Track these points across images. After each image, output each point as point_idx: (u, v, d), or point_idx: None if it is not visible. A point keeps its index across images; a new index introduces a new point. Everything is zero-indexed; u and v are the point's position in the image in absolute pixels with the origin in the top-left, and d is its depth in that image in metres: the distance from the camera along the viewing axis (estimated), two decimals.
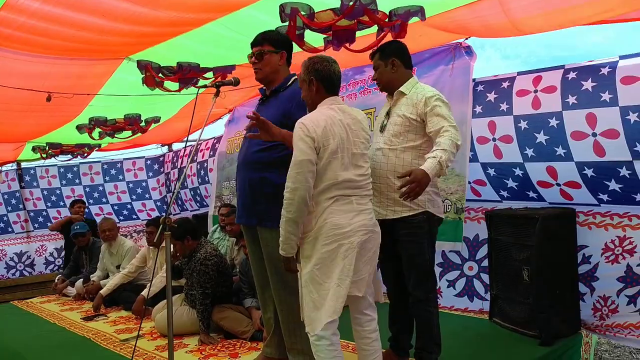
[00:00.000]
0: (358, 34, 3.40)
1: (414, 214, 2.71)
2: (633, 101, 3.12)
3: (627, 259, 3.35)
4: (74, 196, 8.10)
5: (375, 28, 3.37)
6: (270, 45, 2.64)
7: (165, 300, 4.29)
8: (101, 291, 5.08)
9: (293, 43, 2.78)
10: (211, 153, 7.26)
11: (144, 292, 4.70)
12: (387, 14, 3.26)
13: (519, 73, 3.79)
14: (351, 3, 3.02)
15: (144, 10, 3.19)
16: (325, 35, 3.50)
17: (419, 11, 3.25)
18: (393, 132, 2.75)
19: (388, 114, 2.84)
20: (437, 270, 4.32)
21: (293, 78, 2.65)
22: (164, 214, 2.89)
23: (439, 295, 4.35)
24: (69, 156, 7.48)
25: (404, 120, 2.72)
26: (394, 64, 2.80)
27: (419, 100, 2.68)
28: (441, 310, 4.03)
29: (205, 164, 7.44)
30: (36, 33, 3.45)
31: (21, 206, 8.29)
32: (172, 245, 3.88)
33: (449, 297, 4.32)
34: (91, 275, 5.74)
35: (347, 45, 3.44)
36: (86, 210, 7.15)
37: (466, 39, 4.11)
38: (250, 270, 3.97)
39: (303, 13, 3.18)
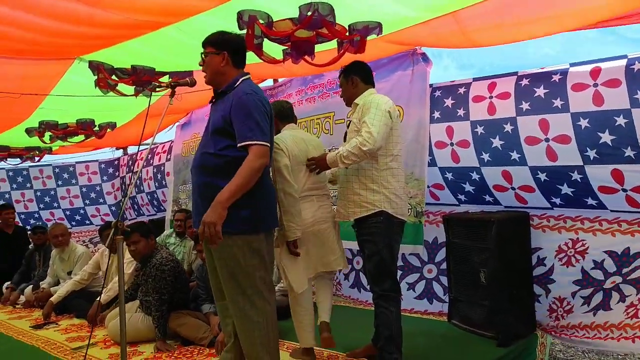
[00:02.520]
0: (318, 47, 3.42)
1: (370, 214, 2.89)
2: (583, 107, 3.22)
3: (580, 261, 3.45)
4: (24, 200, 7.78)
5: (334, 43, 3.39)
6: (212, 47, 2.60)
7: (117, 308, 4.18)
8: (52, 298, 4.88)
9: (241, 45, 2.68)
10: (168, 157, 7.15)
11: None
12: (347, 27, 3.28)
13: (475, 79, 3.87)
14: (309, 13, 3.01)
15: (95, 11, 3.08)
16: (284, 47, 3.49)
17: (377, 27, 3.31)
18: (348, 139, 3.00)
19: (348, 124, 3.14)
20: (397, 273, 4.34)
21: (242, 78, 2.59)
22: (131, 218, 2.84)
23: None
24: (18, 160, 7.19)
25: (354, 127, 2.97)
26: (353, 80, 3.12)
27: (360, 106, 2.96)
28: (402, 313, 4.10)
29: (162, 168, 7.31)
30: None
31: None
32: (128, 247, 3.81)
33: (409, 300, 4.36)
34: (41, 282, 5.51)
35: (306, 58, 3.46)
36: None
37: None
38: (207, 275, 3.91)
39: (261, 21, 3.16)
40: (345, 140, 3.16)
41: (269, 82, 5.70)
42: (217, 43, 2.59)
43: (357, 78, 3.12)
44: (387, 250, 2.90)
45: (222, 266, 2.54)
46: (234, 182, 2.37)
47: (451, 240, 3.79)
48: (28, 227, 6.12)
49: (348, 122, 3.27)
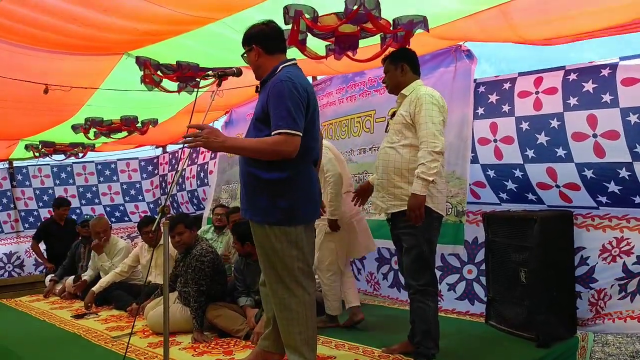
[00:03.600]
0: (361, 43, 3.41)
1: None
2: (633, 102, 3.13)
3: (624, 259, 3.34)
4: (67, 196, 8.00)
5: (378, 38, 3.39)
6: (245, 45, 2.68)
7: (157, 298, 4.26)
8: (93, 288, 5.02)
9: (269, 32, 2.67)
10: (212, 155, 7.20)
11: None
12: (391, 22, 3.28)
13: (520, 74, 3.80)
14: (355, 7, 3.03)
15: (145, 5, 3.17)
16: (327, 43, 3.51)
17: (422, 22, 3.27)
18: (394, 131, 2.98)
19: (393, 115, 3.07)
20: (437, 273, 4.28)
21: (283, 65, 2.61)
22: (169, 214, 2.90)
23: (440, 299, 4.33)
24: (63, 156, 7.42)
25: (401, 119, 2.93)
26: (402, 68, 3.05)
27: (413, 99, 2.90)
28: (443, 313, 4.06)
29: (206, 166, 7.37)
30: (37, 26, 3.41)
31: (12, 205, 8.16)
32: (172, 238, 3.88)
33: (450, 300, 4.31)
34: (82, 275, 5.65)
35: (349, 53, 3.46)
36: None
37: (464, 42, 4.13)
38: (245, 269, 3.96)
39: (307, 16, 3.18)
40: (387, 131, 3.12)
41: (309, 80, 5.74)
42: (246, 41, 2.67)
43: (407, 66, 3.05)
44: (427, 244, 2.87)
45: (261, 254, 2.59)
46: (248, 142, 2.50)
47: (490, 239, 3.73)
48: (85, 216, 6.34)
49: (391, 112, 3.20)
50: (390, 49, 3.25)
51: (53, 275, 6.13)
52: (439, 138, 2.74)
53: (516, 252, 3.45)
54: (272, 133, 2.40)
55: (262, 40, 2.63)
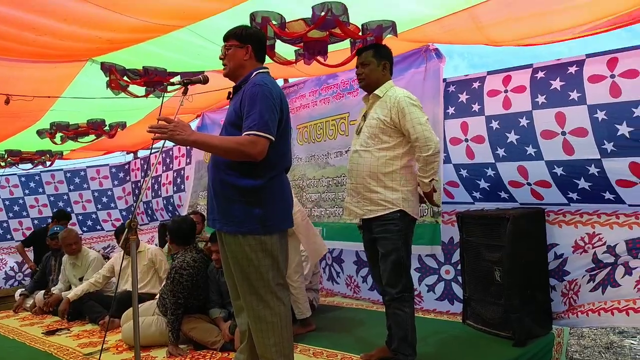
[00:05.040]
0: (331, 47, 3.41)
1: (389, 213, 2.82)
2: (600, 99, 3.17)
3: (595, 250, 3.37)
4: (38, 205, 7.85)
5: (347, 43, 3.36)
6: (235, 40, 2.58)
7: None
8: (69, 295, 4.92)
9: (264, 40, 2.68)
10: (187, 160, 7.10)
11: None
12: (359, 27, 3.25)
13: (489, 72, 3.82)
14: (322, 13, 3.01)
15: (107, 14, 3.09)
16: (296, 48, 3.46)
17: (391, 27, 3.28)
18: (368, 134, 2.88)
19: (364, 117, 2.97)
20: (415, 275, 4.30)
21: (257, 72, 2.56)
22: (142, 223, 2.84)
23: (420, 300, 4.34)
24: (30, 165, 7.25)
25: (378, 123, 2.84)
26: (385, 66, 2.95)
27: (392, 103, 2.81)
28: (422, 314, 4.11)
29: (182, 172, 7.26)
30: None
31: None
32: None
33: (430, 301, 4.31)
34: (52, 288, 5.51)
35: (319, 58, 3.44)
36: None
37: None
38: (220, 278, 3.88)
39: (274, 22, 3.17)
40: (358, 133, 3.00)
41: (279, 83, 5.69)
42: (241, 36, 2.57)
43: (388, 65, 2.97)
44: (405, 249, 2.83)
45: (235, 265, 2.52)
46: (214, 139, 2.41)
47: (465, 239, 3.73)
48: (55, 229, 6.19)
49: (363, 113, 3.03)
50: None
51: (23, 289, 5.98)
52: (431, 139, 2.73)
53: (490, 251, 3.46)
54: (243, 133, 2.35)
55: (258, 45, 2.61)
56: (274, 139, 2.37)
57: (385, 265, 2.84)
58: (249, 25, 2.60)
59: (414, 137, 2.74)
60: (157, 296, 4.00)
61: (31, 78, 4.28)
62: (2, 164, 7.02)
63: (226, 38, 2.61)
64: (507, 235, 3.31)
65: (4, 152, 6.79)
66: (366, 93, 3.02)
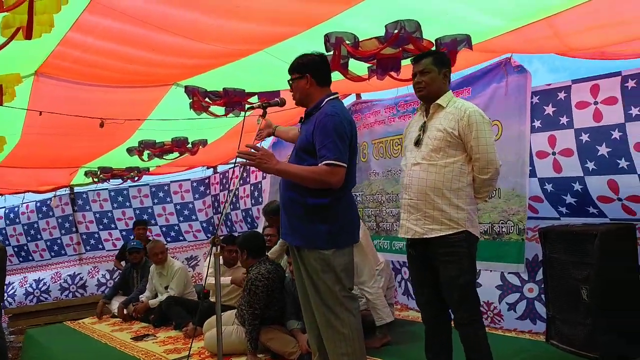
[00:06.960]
0: (404, 62, 3.38)
1: (454, 233, 2.62)
2: None
3: None
4: (125, 218, 8.32)
5: None
6: (295, 72, 2.70)
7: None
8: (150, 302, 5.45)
9: (322, 64, 2.70)
10: (263, 175, 7.31)
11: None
12: (433, 42, 3.23)
13: (573, 81, 3.63)
14: (395, 31, 3.01)
15: (190, 43, 3.29)
16: (369, 64, 3.49)
17: (465, 40, 3.21)
18: (432, 147, 2.65)
19: (423, 128, 2.73)
20: (496, 292, 4.17)
21: (327, 99, 2.65)
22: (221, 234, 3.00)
23: (500, 319, 4.19)
24: (120, 180, 7.72)
25: (445, 135, 2.62)
26: (446, 75, 2.73)
27: (460, 116, 2.62)
28: (502, 332, 3.99)
29: (260, 186, 7.48)
30: (90, 65, 3.62)
31: (74, 229, 8.57)
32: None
33: (510, 320, 4.13)
34: (140, 296, 5.85)
35: (392, 74, 3.44)
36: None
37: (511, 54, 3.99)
38: (294, 290, 3.96)
39: (348, 42, 3.22)
40: (416, 145, 2.71)
41: (351, 98, 5.74)
42: (299, 68, 2.69)
43: (449, 74, 2.77)
44: (472, 272, 2.69)
45: (306, 277, 2.64)
46: (298, 169, 2.55)
47: (549, 256, 3.58)
48: (133, 244, 6.56)
49: (422, 123, 2.76)
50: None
51: (104, 297, 6.42)
52: (493, 163, 2.61)
53: (576, 268, 3.30)
54: (320, 163, 2.48)
55: (316, 71, 2.68)
56: (346, 166, 2.51)
57: (452, 290, 2.65)
58: (304, 55, 2.68)
59: (476, 155, 2.60)
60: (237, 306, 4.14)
61: (122, 101, 4.60)
62: (95, 179, 7.53)
63: (289, 71, 2.74)
64: (595, 252, 3.15)
65: (97, 169, 7.28)
66: (422, 103, 2.81)
